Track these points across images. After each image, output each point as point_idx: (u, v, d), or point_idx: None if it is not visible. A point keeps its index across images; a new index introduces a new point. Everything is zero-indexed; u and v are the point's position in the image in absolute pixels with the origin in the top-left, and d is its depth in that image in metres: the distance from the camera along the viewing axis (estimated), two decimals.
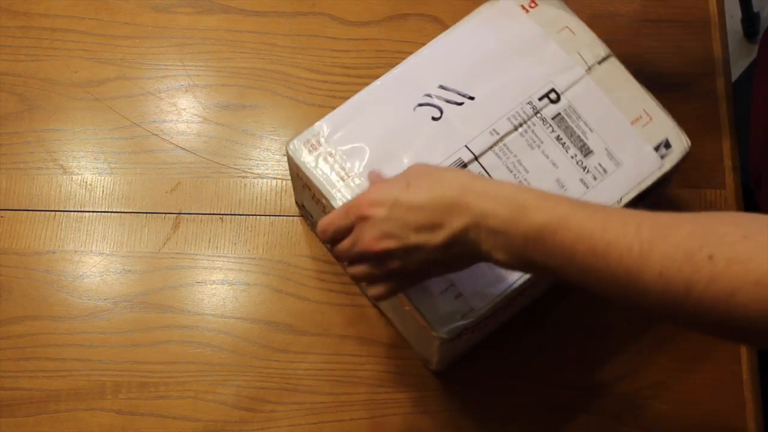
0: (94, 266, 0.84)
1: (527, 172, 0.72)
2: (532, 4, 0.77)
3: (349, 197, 0.71)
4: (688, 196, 0.86)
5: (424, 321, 0.69)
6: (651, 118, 0.75)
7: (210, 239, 0.85)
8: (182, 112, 0.89)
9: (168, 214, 0.85)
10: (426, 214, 0.60)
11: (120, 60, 0.91)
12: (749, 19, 1.78)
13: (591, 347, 0.82)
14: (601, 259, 0.54)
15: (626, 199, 0.72)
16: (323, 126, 0.74)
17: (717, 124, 0.89)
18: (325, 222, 0.66)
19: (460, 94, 0.74)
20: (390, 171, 0.71)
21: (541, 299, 0.82)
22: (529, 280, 0.70)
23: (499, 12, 0.77)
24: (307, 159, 0.73)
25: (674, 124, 0.75)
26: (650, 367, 0.81)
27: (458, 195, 0.59)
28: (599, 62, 0.76)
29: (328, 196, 0.72)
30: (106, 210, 0.86)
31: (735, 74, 0.94)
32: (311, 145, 0.73)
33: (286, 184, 0.86)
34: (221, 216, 0.85)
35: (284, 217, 0.85)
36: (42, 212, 0.85)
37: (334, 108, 0.74)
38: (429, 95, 0.74)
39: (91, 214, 0.85)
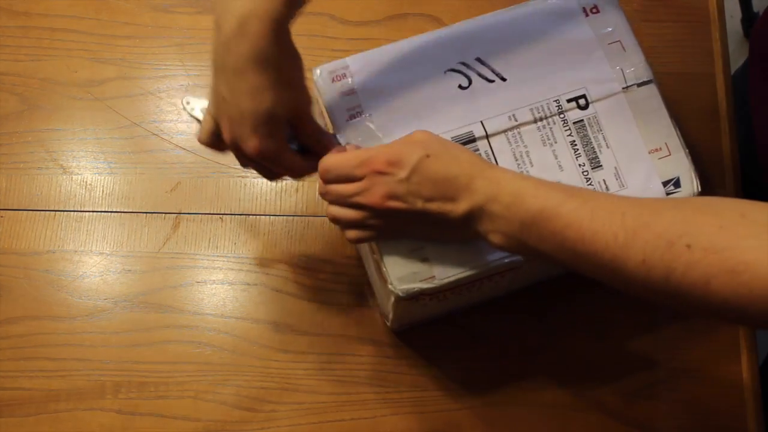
0: (94, 266, 0.84)
1: (531, 165, 0.72)
2: (594, 10, 0.77)
3: (355, 137, 0.71)
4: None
5: (385, 273, 0.69)
6: (670, 153, 0.74)
7: (210, 239, 0.85)
8: (182, 112, 0.89)
9: (168, 214, 0.85)
10: (439, 188, 0.63)
11: (120, 60, 0.91)
12: (749, 19, 1.77)
13: (591, 347, 0.81)
14: (589, 246, 0.58)
15: None
16: (353, 62, 0.75)
17: (717, 124, 0.89)
18: (331, 162, 0.67)
19: (494, 71, 0.74)
20: (401, 123, 0.72)
21: (542, 299, 0.82)
22: (498, 267, 0.70)
23: (560, 7, 0.77)
24: (328, 88, 0.74)
25: (691, 167, 0.74)
26: (650, 367, 0.81)
27: (470, 177, 0.63)
28: (639, 84, 0.75)
29: (336, 129, 0.72)
30: (106, 210, 0.86)
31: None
32: (336, 76, 0.74)
33: (286, 183, 0.86)
34: (221, 216, 0.85)
35: (284, 217, 0.85)
36: (42, 212, 0.85)
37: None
38: (464, 63, 0.74)
39: (91, 214, 0.85)
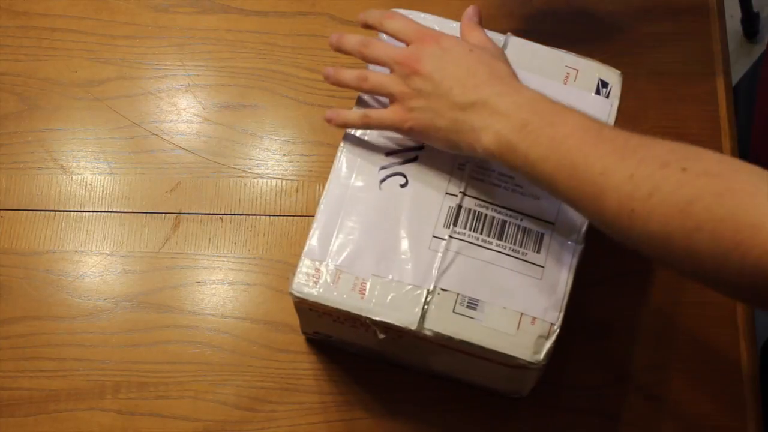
0: (94, 266, 0.84)
1: (512, 177, 0.72)
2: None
3: (375, 305, 0.68)
4: None
5: (517, 361, 0.67)
6: (577, 70, 0.76)
7: (210, 239, 0.85)
8: (182, 112, 0.89)
9: (168, 214, 0.85)
10: (462, 69, 0.67)
11: (120, 60, 0.91)
12: (749, 19, 1.78)
13: (591, 347, 0.81)
14: (583, 156, 0.58)
15: None
16: (312, 253, 0.70)
17: (717, 124, 0.89)
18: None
19: (407, 150, 0.73)
20: (394, 255, 0.69)
21: None
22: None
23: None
24: (318, 292, 0.69)
25: (597, 63, 0.76)
26: (650, 367, 0.81)
27: (495, 75, 0.67)
28: (504, 49, 0.75)
29: (360, 313, 0.68)
30: (106, 210, 0.86)
31: (735, 73, 0.94)
32: (313, 278, 0.69)
33: (286, 183, 0.86)
34: (221, 216, 0.85)
35: (284, 217, 0.85)
36: (42, 212, 0.85)
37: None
38: (383, 167, 0.73)
39: (91, 214, 0.85)
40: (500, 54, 0.70)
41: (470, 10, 0.74)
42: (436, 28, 0.76)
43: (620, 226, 0.56)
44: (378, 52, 0.71)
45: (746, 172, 0.51)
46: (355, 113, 0.72)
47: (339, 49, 0.74)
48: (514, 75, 0.68)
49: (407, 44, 0.71)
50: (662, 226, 0.53)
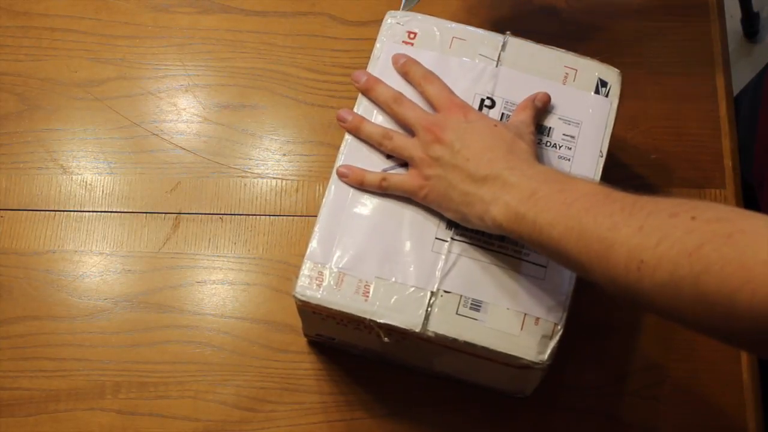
0: (94, 266, 0.84)
1: None
2: (412, 35, 0.77)
3: (378, 307, 0.68)
4: (688, 196, 0.86)
5: (521, 362, 0.67)
6: (576, 70, 0.75)
7: (210, 239, 0.85)
8: (182, 112, 0.89)
9: (168, 214, 0.85)
10: (477, 149, 0.68)
11: (120, 60, 0.91)
12: (749, 19, 1.78)
13: (591, 347, 0.81)
14: (593, 215, 0.58)
15: (605, 148, 0.73)
16: (314, 255, 0.69)
17: (717, 124, 0.89)
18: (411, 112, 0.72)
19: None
20: (397, 257, 0.69)
21: None
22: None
23: (390, 58, 0.76)
24: (321, 295, 0.68)
25: (596, 63, 0.76)
26: (650, 367, 0.81)
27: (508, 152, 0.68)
28: (502, 50, 0.76)
29: (364, 315, 0.68)
30: (106, 210, 0.86)
31: (735, 74, 0.94)
32: (316, 280, 0.69)
33: (286, 183, 0.86)
34: (221, 216, 0.85)
35: (284, 217, 0.85)
36: (42, 212, 0.85)
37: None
38: (385, 169, 0.72)
39: (91, 214, 0.85)
40: (527, 133, 0.70)
41: (541, 93, 0.73)
42: (435, 29, 0.77)
43: (629, 281, 0.55)
44: (408, 113, 0.72)
45: (758, 217, 0.51)
46: (373, 175, 0.72)
47: (365, 92, 0.75)
48: (532, 153, 0.68)
49: (436, 110, 0.72)
50: (671, 274, 0.52)
